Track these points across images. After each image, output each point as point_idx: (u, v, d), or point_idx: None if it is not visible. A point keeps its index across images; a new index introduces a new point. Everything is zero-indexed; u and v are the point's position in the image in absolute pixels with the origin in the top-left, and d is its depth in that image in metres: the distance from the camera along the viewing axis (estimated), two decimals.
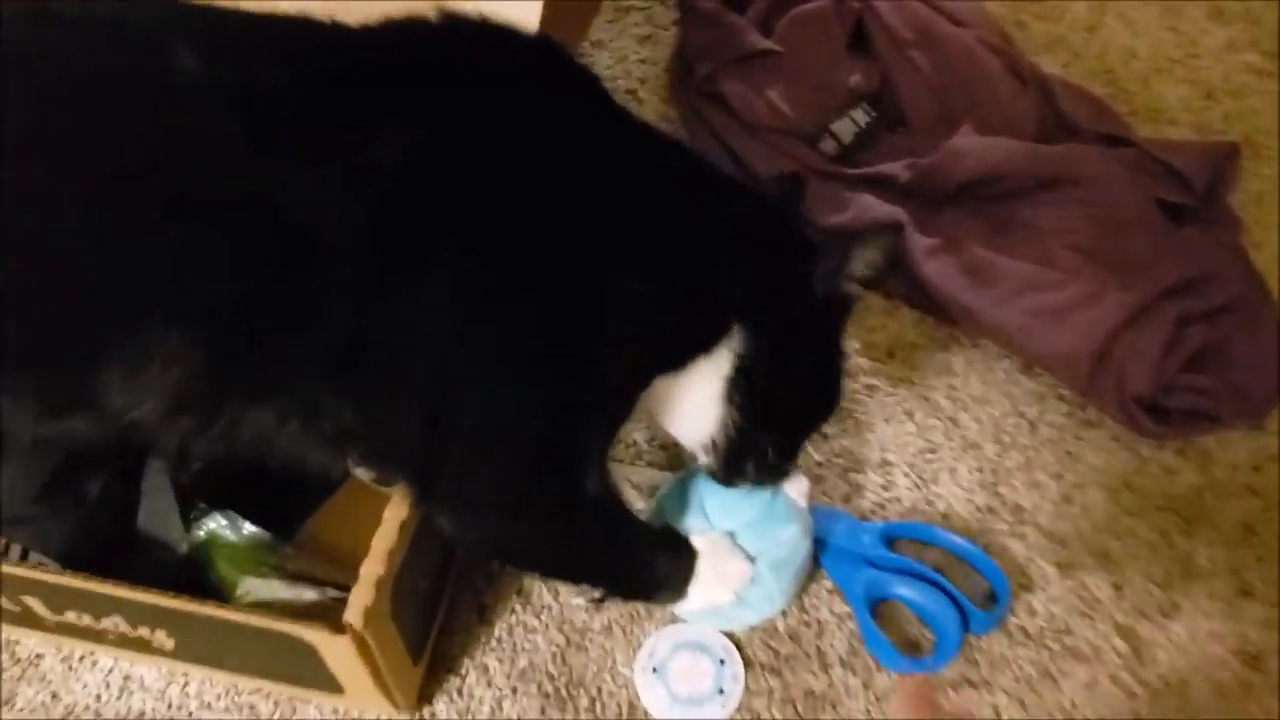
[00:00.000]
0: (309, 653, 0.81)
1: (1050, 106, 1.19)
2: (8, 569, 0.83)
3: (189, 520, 0.91)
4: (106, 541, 0.89)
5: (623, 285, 0.75)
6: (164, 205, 0.66)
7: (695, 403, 0.84)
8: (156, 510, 0.88)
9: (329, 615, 0.80)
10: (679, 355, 0.81)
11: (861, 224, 1.12)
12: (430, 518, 0.80)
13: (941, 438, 1.05)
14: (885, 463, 1.03)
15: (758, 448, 0.87)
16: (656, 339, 0.79)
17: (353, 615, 0.77)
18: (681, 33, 1.31)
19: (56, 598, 0.85)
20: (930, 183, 1.13)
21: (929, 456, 1.04)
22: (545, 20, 1.01)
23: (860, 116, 1.20)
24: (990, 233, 1.11)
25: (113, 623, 0.86)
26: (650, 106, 1.30)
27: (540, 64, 0.79)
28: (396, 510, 0.82)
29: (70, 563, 0.86)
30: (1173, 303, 1.01)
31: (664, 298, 0.78)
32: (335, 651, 0.80)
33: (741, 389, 0.82)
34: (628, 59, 1.33)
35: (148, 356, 0.66)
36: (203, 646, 0.88)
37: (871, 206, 1.13)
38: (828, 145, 1.20)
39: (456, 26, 0.76)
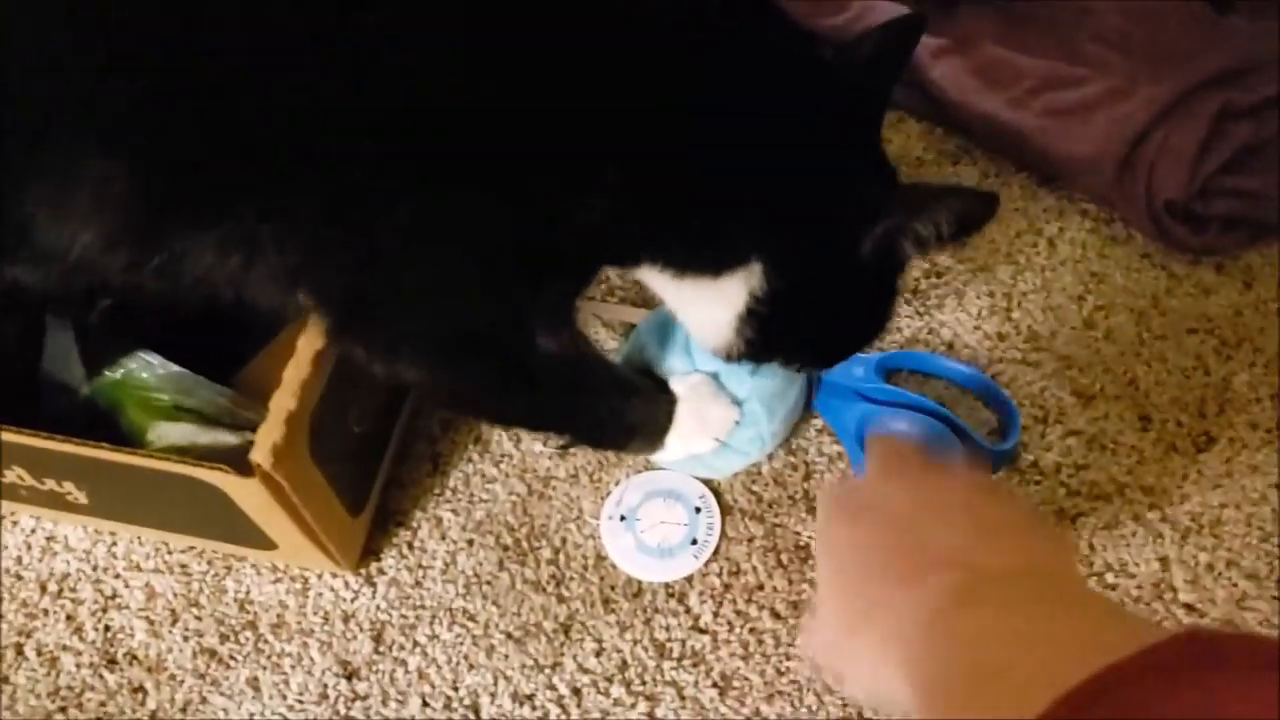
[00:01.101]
0: (222, 500, 0.73)
1: None
2: None
3: (101, 362, 0.81)
4: (9, 387, 0.80)
5: (612, 169, 0.62)
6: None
7: (700, 317, 0.73)
8: (57, 352, 0.78)
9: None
10: (673, 258, 0.68)
11: (857, 30, 0.99)
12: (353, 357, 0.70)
13: (948, 259, 0.93)
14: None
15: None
16: (640, 233, 0.67)
17: (260, 454, 0.68)
18: None
19: None
20: None
21: (934, 280, 0.93)
22: None
23: None
24: (1006, 29, 0.98)
25: (17, 475, 0.78)
26: None
27: None
28: (311, 338, 0.72)
29: None
30: (1212, 95, 0.88)
31: (656, 193, 0.64)
32: (247, 496, 0.71)
33: (754, 328, 0.70)
34: None
35: (76, 180, 0.58)
36: (117, 500, 0.80)
37: (873, 5, 1.00)
38: None
39: None
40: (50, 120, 0.59)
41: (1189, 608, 0.77)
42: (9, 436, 0.72)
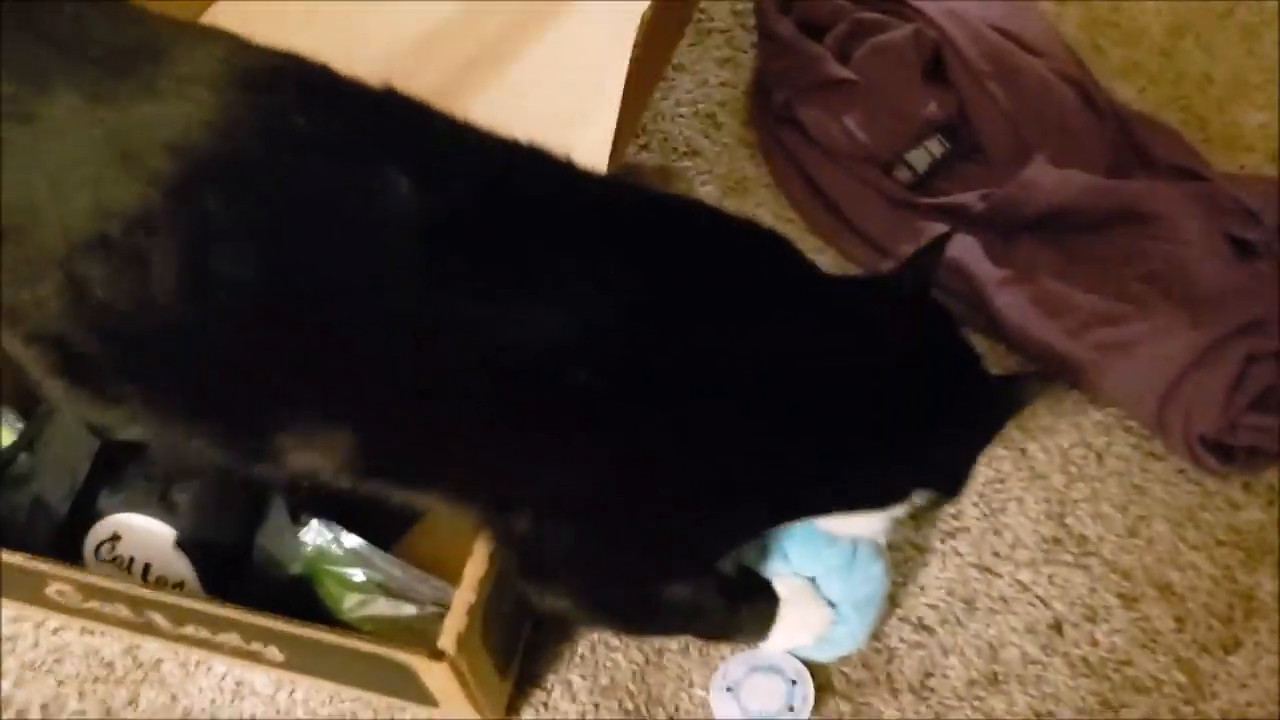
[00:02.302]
0: (407, 673, 0.88)
1: (1126, 138, 1.20)
2: (134, 589, 0.91)
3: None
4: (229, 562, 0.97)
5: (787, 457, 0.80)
6: (350, 317, 0.72)
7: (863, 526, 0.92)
8: (273, 528, 0.95)
9: (427, 631, 0.86)
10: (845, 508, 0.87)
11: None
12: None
13: (1010, 467, 1.08)
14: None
15: None
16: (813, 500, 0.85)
17: (447, 643, 0.83)
18: (760, 58, 1.34)
19: (178, 615, 0.93)
20: (1004, 214, 1.16)
21: (997, 486, 1.07)
22: (636, 46, 1.05)
23: (935, 146, 1.22)
24: (1063, 265, 1.14)
25: (228, 638, 0.94)
26: (729, 130, 1.33)
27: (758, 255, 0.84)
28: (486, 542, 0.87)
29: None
30: (1242, 340, 1.03)
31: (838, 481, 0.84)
32: (431, 674, 0.86)
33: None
34: (708, 82, 1.37)
35: (313, 434, 0.75)
36: (309, 661, 0.95)
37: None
38: (903, 174, 1.22)
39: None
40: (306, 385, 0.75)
41: None
42: (234, 613, 0.88)
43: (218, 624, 0.91)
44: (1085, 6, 1.39)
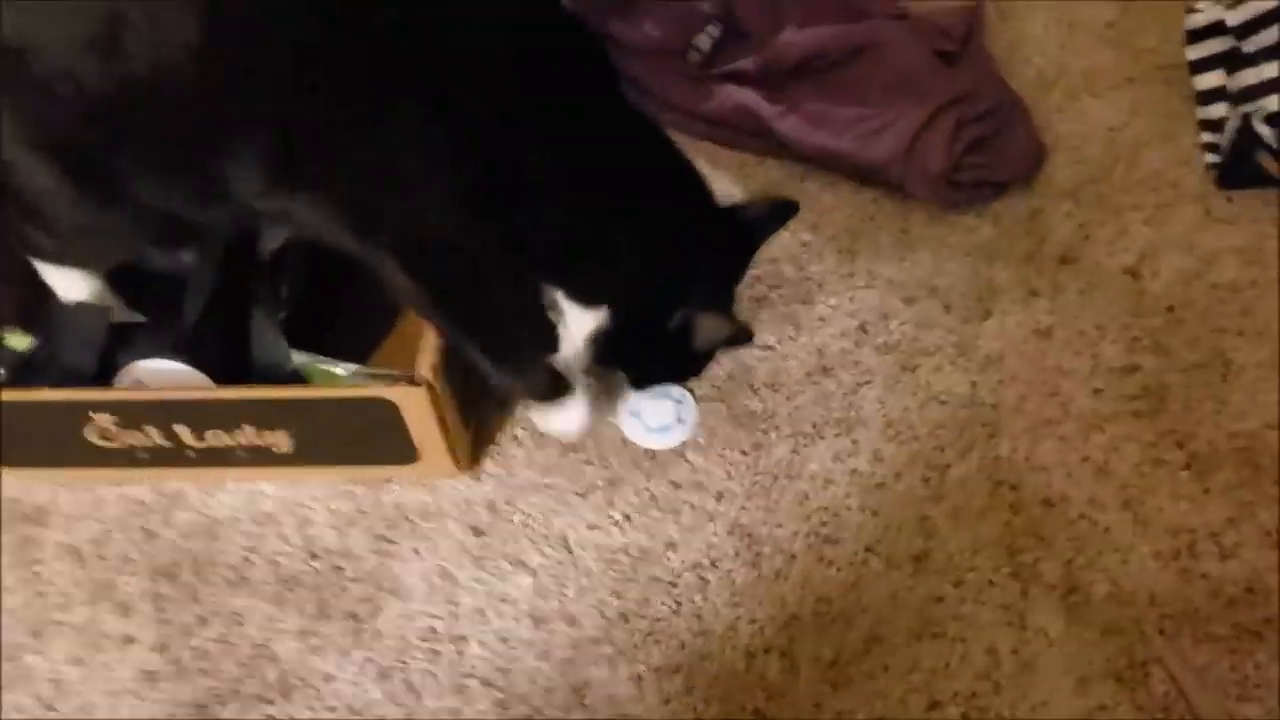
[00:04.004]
0: (392, 414, 1.16)
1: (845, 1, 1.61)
2: (167, 394, 1.17)
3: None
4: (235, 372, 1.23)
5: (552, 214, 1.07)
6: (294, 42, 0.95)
7: (568, 324, 1.19)
8: (266, 341, 1.21)
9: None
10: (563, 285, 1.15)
11: (725, 109, 1.52)
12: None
13: (809, 236, 1.44)
14: (771, 260, 1.42)
15: None
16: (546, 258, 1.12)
17: (424, 369, 1.13)
18: None
19: (199, 417, 1.18)
20: (772, 68, 1.53)
21: (803, 248, 1.43)
22: None
23: (713, 31, 1.59)
24: (820, 93, 1.51)
25: (243, 434, 1.20)
26: None
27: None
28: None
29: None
30: (952, 109, 1.42)
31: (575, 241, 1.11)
32: (412, 403, 1.14)
33: (596, 345, 1.20)
34: None
35: (251, 149, 0.98)
36: (312, 441, 1.21)
37: (732, 92, 1.53)
38: (693, 56, 1.59)
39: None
40: (244, 105, 0.96)
41: None
42: (248, 392, 1.15)
43: (236, 415, 1.18)
44: None
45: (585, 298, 1.16)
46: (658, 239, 1.14)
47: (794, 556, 1.18)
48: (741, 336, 1.24)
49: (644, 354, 1.24)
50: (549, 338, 1.20)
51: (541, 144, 1.04)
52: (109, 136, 1.00)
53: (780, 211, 1.27)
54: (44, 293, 1.25)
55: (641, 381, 1.28)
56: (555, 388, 1.22)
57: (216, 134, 0.98)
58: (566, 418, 1.24)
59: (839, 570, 1.17)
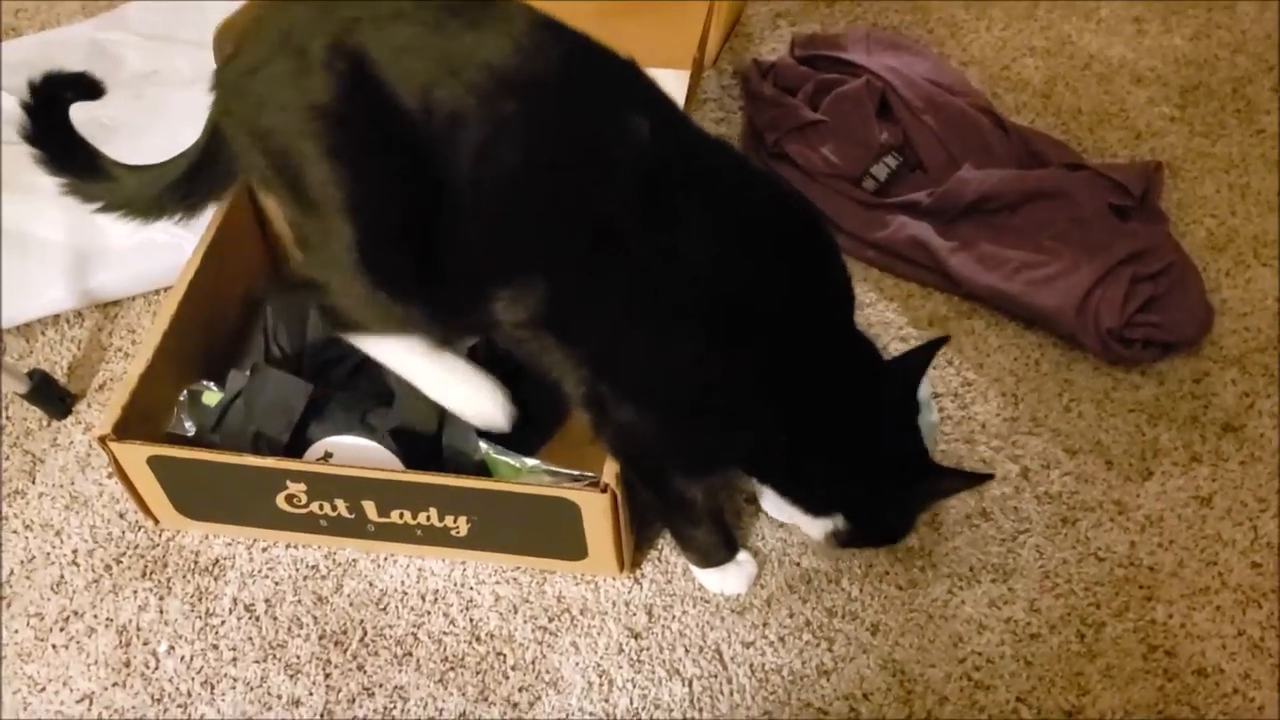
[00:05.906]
0: (572, 514, 1.20)
1: (1026, 148, 1.64)
2: (360, 472, 1.23)
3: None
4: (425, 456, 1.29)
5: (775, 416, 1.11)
6: (573, 203, 1.04)
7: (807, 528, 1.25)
8: (457, 430, 1.27)
9: None
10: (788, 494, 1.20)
11: (898, 239, 1.56)
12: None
13: (973, 375, 1.47)
14: (935, 394, 1.45)
15: None
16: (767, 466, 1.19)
17: (608, 475, 1.17)
18: (750, 113, 1.76)
19: (390, 496, 1.24)
20: (945, 203, 1.58)
21: (968, 388, 1.46)
22: None
23: (891, 161, 1.64)
24: (993, 234, 1.55)
25: (426, 515, 1.25)
26: None
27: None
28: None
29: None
30: (1127, 267, 1.45)
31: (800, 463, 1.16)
32: (592, 507, 1.19)
33: (835, 539, 1.22)
34: None
35: (522, 287, 1.08)
36: (489, 529, 1.26)
37: (905, 224, 1.58)
38: (868, 184, 1.64)
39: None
40: (520, 255, 1.08)
41: None
42: (441, 479, 1.20)
43: (423, 497, 1.23)
44: (981, 67, 1.85)
45: (816, 511, 1.20)
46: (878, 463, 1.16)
47: (945, 699, 1.20)
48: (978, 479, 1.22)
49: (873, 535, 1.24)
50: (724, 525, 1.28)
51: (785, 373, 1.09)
52: (415, 245, 1.08)
53: (931, 346, 1.24)
54: (238, 352, 1.32)
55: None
56: (723, 550, 1.27)
57: (507, 266, 1.08)
58: (735, 582, 1.28)
59: (990, 718, 1.19)
